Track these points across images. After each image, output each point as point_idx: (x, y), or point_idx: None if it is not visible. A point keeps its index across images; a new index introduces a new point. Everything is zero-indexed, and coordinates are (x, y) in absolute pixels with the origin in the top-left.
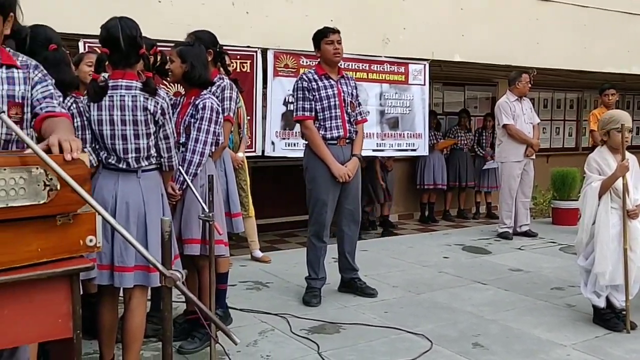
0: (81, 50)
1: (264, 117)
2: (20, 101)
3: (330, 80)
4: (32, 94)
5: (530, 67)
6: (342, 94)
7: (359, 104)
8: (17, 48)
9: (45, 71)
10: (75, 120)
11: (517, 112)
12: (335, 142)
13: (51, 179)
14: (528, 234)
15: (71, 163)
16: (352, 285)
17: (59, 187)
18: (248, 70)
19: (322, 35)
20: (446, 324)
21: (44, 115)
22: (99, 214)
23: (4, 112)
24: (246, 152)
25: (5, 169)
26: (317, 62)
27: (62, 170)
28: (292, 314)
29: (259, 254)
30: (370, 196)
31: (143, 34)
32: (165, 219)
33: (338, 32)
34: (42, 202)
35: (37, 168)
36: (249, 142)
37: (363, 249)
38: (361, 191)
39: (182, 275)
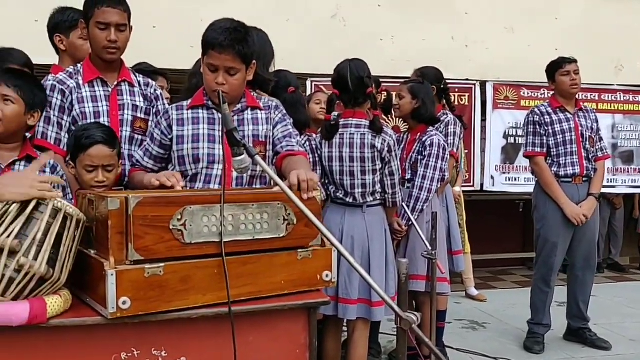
0: (308, 88)
1: (482, 151)
2: (264, 140)
3: (566, 113)
4: (273, 133)
5: None
6: (580, 128)
7: (600, 139)
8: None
9: (284, 111)
10: (308, 157)
11: None
12: (570, 180)
13: (289, 213)
14: None
15: (306, 200)
16: (580, 335)
17: (295, 221)
18: (466, 103)
19: (558, 67)
20: None
21: (284, 154)
22: (334, 245)
23: (257, 154)
24: (463, 186)
25: (253, 205)
26: (551, 94)
27: (304, 205)
28: None
29: (474, 291)
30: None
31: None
32: (403, 260)
33: (575, 61)
34: (281, 235)
35: (277, 204)
36: (467, 176)
37: (592, 294)
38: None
39: (417, 318)
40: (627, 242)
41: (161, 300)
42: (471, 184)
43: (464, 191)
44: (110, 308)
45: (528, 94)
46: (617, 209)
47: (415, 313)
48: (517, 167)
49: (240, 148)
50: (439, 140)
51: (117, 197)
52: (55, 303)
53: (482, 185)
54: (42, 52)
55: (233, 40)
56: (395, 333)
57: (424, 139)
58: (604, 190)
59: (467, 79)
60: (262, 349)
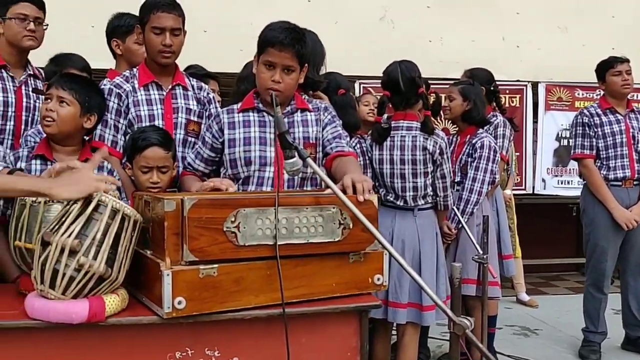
0: (357, 90)
1: (534, 153)
2: (314, 142)
3: (617, 115)
4: (323, 135)
5: None
6: (631, 130)
7: None
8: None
9: (334, 112)
10: (358, 160)
11: None
12: (620, 183)
13: (345, 217)
14: None
15: (362, 203)
16: (639, 344)
17: (351, 225)
18: (517, 105)
19: (608, 66)
20: None
21: (334, 155)
22: (389, 252)
23: (309, 156)
24: (514, 189)
25: (307, 208)
26: (601, 95)
27: (358, 209)
28: None
29: (525, 297)
30: None
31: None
32: (456, 265)
33: (627, 61)
34: (337, 239)
35: (333, 207)
36: (518, 179)
37: None
38: None
39: (470, 323)
40: None
41: (215, 301)
42: (522, 187)
43: (514, 194)
44: (165, 308)
45: (582, 95)
46: None
47: (469, 318)
48: (569, 170)
49: (292, 150)
50: (489, 142)
51: (173, 198)
52: (113, 302)
53: (533, 188)
54: (98, 57)
55: (293, 39)
56: (444, 338)
57: (473, 141)
58: None
59: (518, 80)
60: (314, 350)
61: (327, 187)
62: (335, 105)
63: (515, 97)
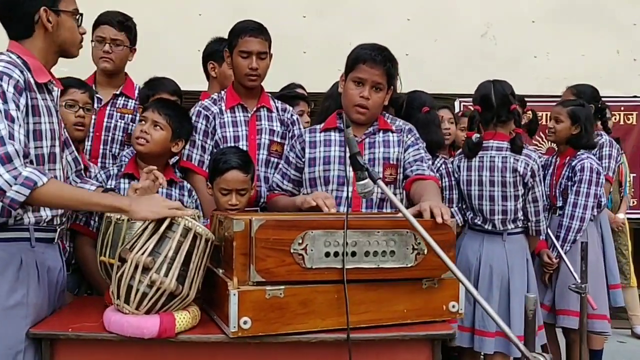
0: (457, 109)
1: None
2: (395, 163)
3: None
4: (404, 157)
5: None
6: None
7: None
8: (396, 113)
9: (417, 135)
10: (443, 180)
11: None
12: None
13: (419, 243)
14: None
15: (439, 228)
16: None
17: (426, 251)
18: (634, 123)
19: None
20: None
21: (414, 178)
22: (461, 282)
23: (380, 178)
24: (629, 212)
25: (379, 232)
26: None
27: (429, 235)
28: None
29: None
30: None
31: (517, 92)
32: (531, 296)
33: None
34: (409, 265)
35: (407, 232)
36: (635, 202)
37: None
38: None
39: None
40: None
41: (281, 322)
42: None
43: (630, 218)
44: (231, 327)
45: None
46: None
47: (544, 355)
48: None
49: (364, 172)
50: (590, 164)
51: (242, 219)
52: (184, 318)
53: None
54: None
55: (384, 58)
56: None
57: (573, 164)
58: None
59: (634, 96)
60: None
61: (399, 211)
62: (418, 123)
63: (632, 114)
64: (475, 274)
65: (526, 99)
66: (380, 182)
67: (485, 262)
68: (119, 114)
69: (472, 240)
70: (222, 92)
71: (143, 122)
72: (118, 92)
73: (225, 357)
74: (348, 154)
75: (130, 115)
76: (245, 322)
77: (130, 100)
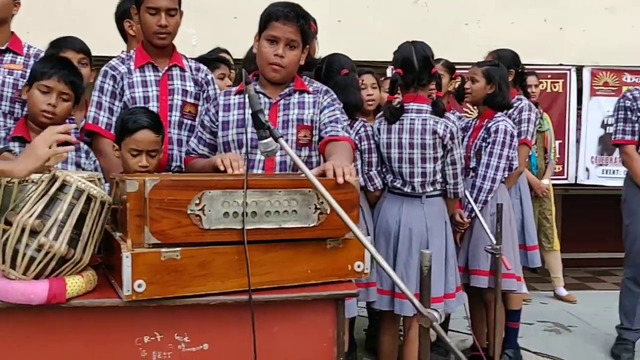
0: (389, 75)
1: (577, 141)
2: (309, 124)
3: None
4: (320, 118)
5: None
6: None
7: None
8: (316, 76)
9: (334, 96)
10: (363, 143)
11: None
12: None
13: (322, 202)
14: None
15: (342, 187)
16: None
17: (328, 211)
18: (560, 90)
19: None
20: None
21: (327, 139)
22: (360, 241)
23: (281, 136)
24: (555, 179)
25: (280, 191)
26: None
27: (331, 195)
28: None
29: (563, 292)
30: None
31: (449, 59)
32: (426, 252)
33: None
34: (312, 225)
35: (309, 191)
36: (560, 169)
37: None
38: None
39: (439, 316)
40: None
41: (177, 285)
42: (564, 176)
43: (555, 184)
44: (125, 290)
45: (631, 79)
46: None
47: (438, 310)
48: (615, 158)
49: (265, 130)
50: (505, 126)
51: (136, 179)
52: (75, 283)
53: (576, 178)
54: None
55: (297, 14)
56: (468, 332)
57: (489, 125)
58: None
59: (561, 64)
60: (287, 340)
61: (300, 169)
62: (337, 85)
63: (558, 82)
64: (395, 236)
65: (457, 67)
66: (282, 140)
67: (405, 224)
68: (6, 69)
69: (391, 203)
70: (132, 51)
71: (47, 92)
72: (4, 48)
73: (121, 322)
74: (268, 116)
75: (19, 71)
76: (139, 286)
77: (18, 57)
